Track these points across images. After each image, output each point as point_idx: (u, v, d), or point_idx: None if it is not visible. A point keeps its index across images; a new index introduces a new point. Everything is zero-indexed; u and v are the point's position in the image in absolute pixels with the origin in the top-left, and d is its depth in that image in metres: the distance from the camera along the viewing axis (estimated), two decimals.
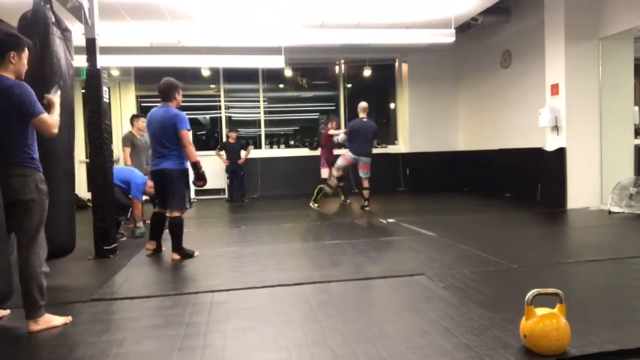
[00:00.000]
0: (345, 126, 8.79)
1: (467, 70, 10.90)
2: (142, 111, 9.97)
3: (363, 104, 7.77)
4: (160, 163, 4.55)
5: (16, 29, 3.76)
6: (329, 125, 8.77)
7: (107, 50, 6.42)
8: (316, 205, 7.99)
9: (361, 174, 7.75)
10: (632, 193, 6.39)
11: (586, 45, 7.06)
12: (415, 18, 7.87)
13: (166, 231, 6.32)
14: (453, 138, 11.23)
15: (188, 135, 4.48)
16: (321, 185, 8.00)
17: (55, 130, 2.88)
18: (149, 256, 4.68)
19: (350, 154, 7.64)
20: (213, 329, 2.69)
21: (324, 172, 8.26)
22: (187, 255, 4.55)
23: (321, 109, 12.36)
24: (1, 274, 2.67)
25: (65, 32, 3.94)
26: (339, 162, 7.78)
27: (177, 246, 4.54)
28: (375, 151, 11.35)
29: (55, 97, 3.00)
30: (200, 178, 4.59)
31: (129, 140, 6.55)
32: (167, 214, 4.73)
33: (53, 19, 3.79)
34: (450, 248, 4.72)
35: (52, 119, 2.86)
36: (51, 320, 2.78)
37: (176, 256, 4.52)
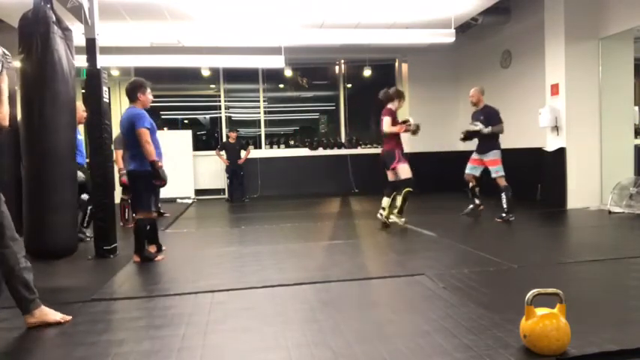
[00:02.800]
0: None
1: (467, 70, 10.90)
2: None
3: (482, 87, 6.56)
4: (130, 164, 4.53)
5: (18, 29, 3.76)
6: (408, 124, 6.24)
7: (107, 50, 6.41)
8: (403, 219, 5.94)
9: (492, 173, 6.37)
10: (632, 193, 6.39)
11: (586, 45, 7.06)
12: (415, 18, 7.87)
13: (165, 231, 6.36)
14: (453, 138, 11.21)
15: (145, 133, 4.33)
16: (409, 189, 5.86)
17: (6, 123, 2.68)
18: (153, 259, 4.60)
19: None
20: (213, 329, 2.69)
21: (404, 170, 5.85)
22: (148, 259, 4.46)
23: (321, 109, 12.37)
24: None
25: (66, 32, 3.94)
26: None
27: (137, 247, 4.48)
28: (374, 151, 11.45)
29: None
30: (157, 177, 4.40)
31: (120, 143, 6.45)
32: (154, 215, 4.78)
33: (54, 19, 3.79)
34: (450, 248, 4.71)
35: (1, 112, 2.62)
36: (47, 314, 2.76)
37: (136, 258, 4.46)
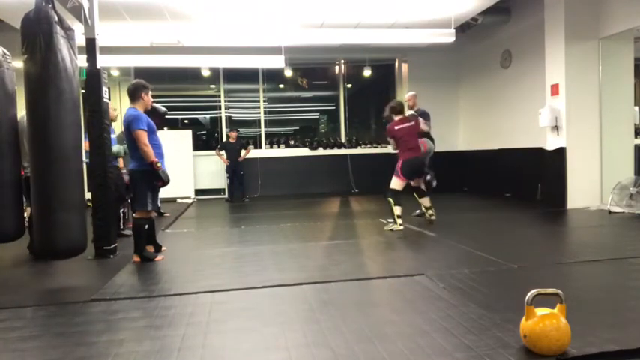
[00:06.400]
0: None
1: (467, 70, 10.91)
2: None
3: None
4: (130, 164, 4.57)
5: (20, 29, 3.77)
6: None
7: (107, 50, 6.41)
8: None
9: None
10: (632, 193, 6.39)
11: (586, 45, 7.06)
12: (415, 18, 7.87)
13: (165, 231, 6.36)
14: (453, 138, 11.23)
15: (143, 135, 4.34)
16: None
17: None
18: (153, 259, 4.57)
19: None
20: (213, 329, 2.69)
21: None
22: (148, 259, 4.46)
23: (321, 109, 12.38)
24: None
25: (68, 31, 3.95)
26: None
27: (136, 248, 4.49)
28: (375, 151, 11.47)
29: None
30: (157, 178, 4.42)
31: (121, 142, 6.50)
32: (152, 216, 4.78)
33: (56, 19, 3.79)
34: (450, 248, 4.71)
35: None
36: None
37: (136, 258, 4.46)
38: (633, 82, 7.47)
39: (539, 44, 7.66)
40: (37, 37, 3.67)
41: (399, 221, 5.77)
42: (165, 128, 11.06)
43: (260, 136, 11.46)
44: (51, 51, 3.70)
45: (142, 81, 4.64)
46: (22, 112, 4.29)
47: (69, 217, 3.76)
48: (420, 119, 6.31)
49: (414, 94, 7.09)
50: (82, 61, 4.86)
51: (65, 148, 3.77)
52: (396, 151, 6.09)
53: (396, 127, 5.92)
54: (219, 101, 11.28)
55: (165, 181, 4.46)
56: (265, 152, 11.28)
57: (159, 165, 4.39)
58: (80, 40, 4.82)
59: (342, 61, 11.54)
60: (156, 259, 4.51)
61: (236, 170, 9.99)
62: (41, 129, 3.72)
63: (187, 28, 8.04)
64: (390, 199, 5.82)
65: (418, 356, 2.24)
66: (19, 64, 3.84)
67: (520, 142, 8.75)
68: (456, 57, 10.91)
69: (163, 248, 4.87)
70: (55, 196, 3.71)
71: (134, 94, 4.53)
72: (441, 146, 11.18)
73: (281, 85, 11.93)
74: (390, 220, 5.97)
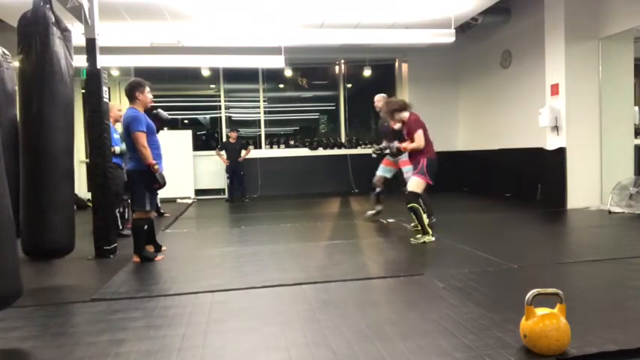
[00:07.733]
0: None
1: (467, 70, 10.90)
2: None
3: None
4: (128, 164, 4.58)
5: (17, 29, 3.76)
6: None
7: (107, 50, 6.41)
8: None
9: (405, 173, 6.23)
10: (632, 193, 6.39)
11: (586, 45, 7.06)
12: (415, 18, 7.87)
13: (165, 231, 6.36)
14: (453, 138, 11.23)
15: (141, 137, 4.32)
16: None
17: None
18: (153, 259, 4.57)
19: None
20: (213, 329, 2.69)
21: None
22: (147, 259, 4.45)
23: (321, 109, 12.37)
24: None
25: (65, 32, 3.94)
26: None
27: (136, 248, 4.48)
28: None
29: None
30: (154, 180, 4.42)
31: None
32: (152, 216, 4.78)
33: (53, 19, 3.79)
34: (450, 248, 4.72)
35: None
36: None
37: (136, 259, 4.45)
38: (633, 82, 7.46)
39: (539, 44, 7.66)
40: (33, 37, 3.67)
41: (431, 231, 5.12)
42: (165, 128, 11.06)
43: (260, 136, 11.45)
44: (46, 52, 3.70)
45: (137, 80, 4.58)
46: None
47: (55, 217, 3.76)
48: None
49: (384, 96, 6.49)
50: (82, 61, 4.86)
51: (55, 150, 3.77)
52: (404, 148, 5.50)
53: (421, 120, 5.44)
54: (219, 101, 11.28)
55: (161, 184, 4.47)
56: (265, 152, 11.28)
57: (156, 167, 4.39)
58: (80, 40, 4.83)
59: (342, 61, 11.53)
60: (156, 259, 4.51)
61: (236, 170, 9.99)
62: (33, 129, 3.72)
63: (187, 28, 8.04)
64: (417, 206, 5.14)
65: (418, 356, 2.24)
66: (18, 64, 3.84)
67: (520, 142, 8.74)
68: (455, 57, 10.90)
69: (163, 248, 4.87)
70: (42, 196, 3.70)
71: (131, 95, 4.50)
72: (440, 146, 11.22)
73: (281, 85, 11.93)
74: (418, 236, 5.16)
